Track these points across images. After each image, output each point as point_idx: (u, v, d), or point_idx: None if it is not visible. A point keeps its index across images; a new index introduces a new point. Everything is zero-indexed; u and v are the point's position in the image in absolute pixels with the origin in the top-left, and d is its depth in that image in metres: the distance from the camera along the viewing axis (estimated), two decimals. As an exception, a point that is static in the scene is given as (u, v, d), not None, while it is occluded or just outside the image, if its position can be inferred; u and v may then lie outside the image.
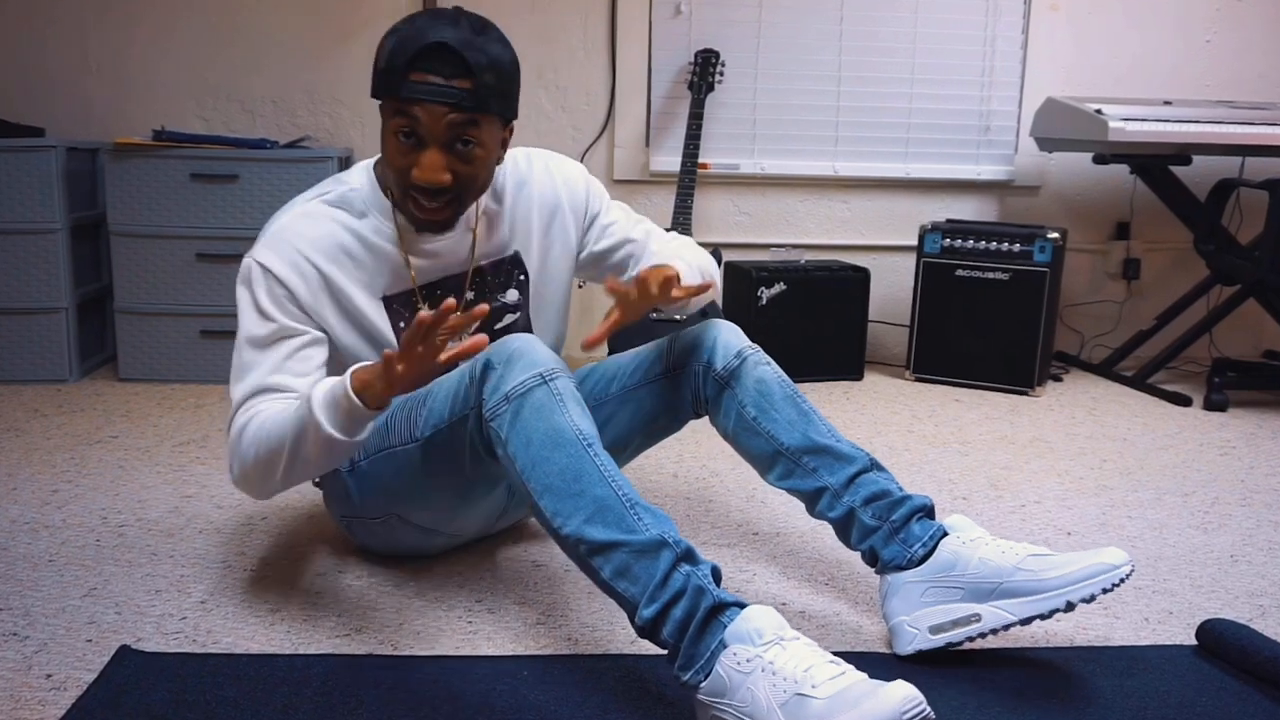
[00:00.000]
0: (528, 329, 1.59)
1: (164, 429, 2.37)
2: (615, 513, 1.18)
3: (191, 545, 1.69)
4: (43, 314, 2.76)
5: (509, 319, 1.56)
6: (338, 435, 1.23)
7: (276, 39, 3.12)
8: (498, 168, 1.48)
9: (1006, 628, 1.27)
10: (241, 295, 1.41)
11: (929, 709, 1.01)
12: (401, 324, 1.47)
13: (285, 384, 1.36)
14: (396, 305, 1.47)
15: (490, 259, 1.54)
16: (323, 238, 1.41)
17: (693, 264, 1.52)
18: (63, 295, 2.76)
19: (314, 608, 1.47)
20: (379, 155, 1.44)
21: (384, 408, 1.24)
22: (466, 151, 1.32)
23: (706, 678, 1.11)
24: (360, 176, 1.46)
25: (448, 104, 1.28)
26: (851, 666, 1.07)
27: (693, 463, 2.21)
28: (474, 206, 1.50)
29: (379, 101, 1.35)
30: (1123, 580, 1.23)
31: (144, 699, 1.20)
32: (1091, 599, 1.24)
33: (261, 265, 1.39)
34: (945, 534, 1.35)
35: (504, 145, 1.42)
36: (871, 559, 1.39)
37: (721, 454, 2.25)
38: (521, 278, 1.57)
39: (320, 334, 1.42)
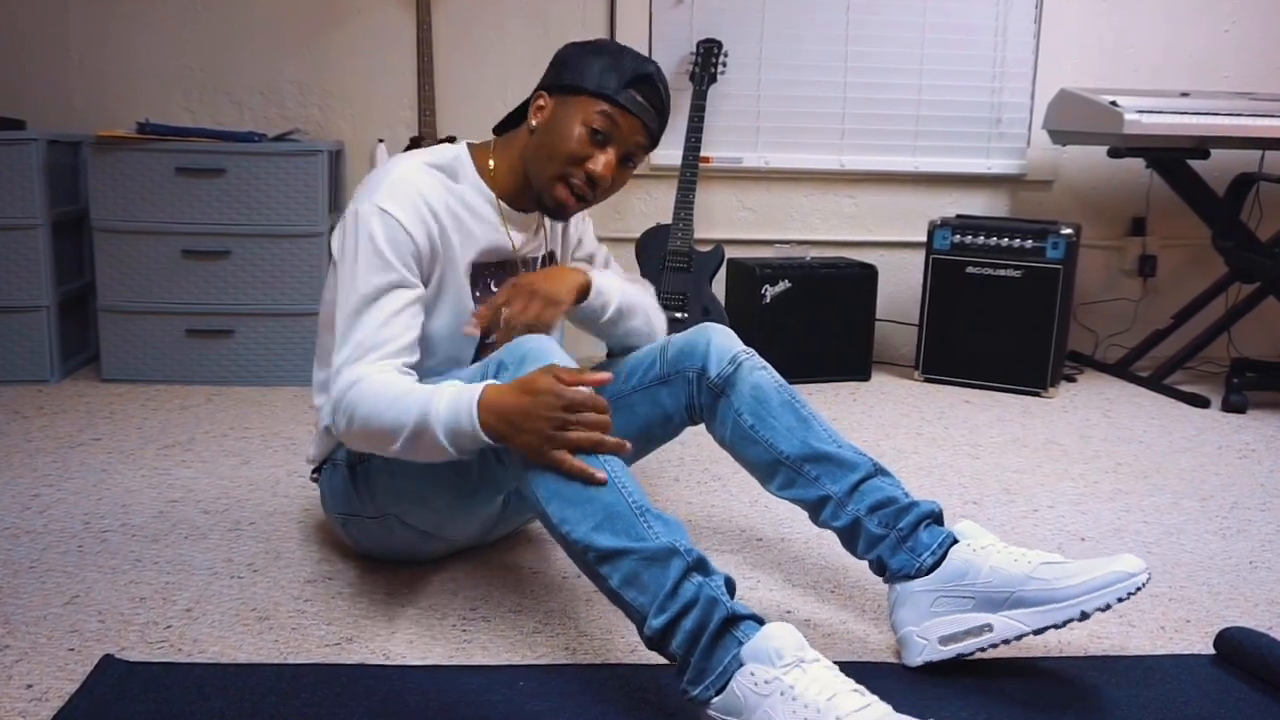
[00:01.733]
0: None
1: (148, 431, 2.37)
2: (624, 520, 1.19)
3: (177, 551, 1.69)
4: (23, 312, 2.76)
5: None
6: (449, 449, 1.28)
7: (265, 28, 3.12)
8: None
9: (1019, 638, 1.27)
10: (360, 239, 1.40)
11: None
12: (478, 293, 1.52)
13: (393, 337, 1.38)
14: (480, 273, 1.53)
15: (535, 254, 1.63)
16: (439, 195, 1.47)
17: (626, 288, 1.60)
18: (44, 293, 2.76)
19: (303, 616, 1.47)
20: (469, 141, 1.56)
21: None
22: (626, 169, 1.50)
23: (719, 694, 1.10)
24: (454, 150, 1.54)
25: (646, 126, 1.47)
26: (876, 698, 1.07)
27: (695, 467, 2.21)
28: None
29: (572, 93, 1.46)
30: (1139, 589, 1.23)
31: (128, 710, 1.19)
32: (1107, 608, 1.23)
33: (386, 211, 1.41)
34: (955, 541, 1.35)
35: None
36: (879, 568, 1.39)
37: (724, 459, 2.24)
38: None
39: (424, 291, 1.46)
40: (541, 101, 1.48)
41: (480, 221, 1.51)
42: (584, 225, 1.74)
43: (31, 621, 1.43)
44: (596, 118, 1.43)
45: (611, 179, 1.47)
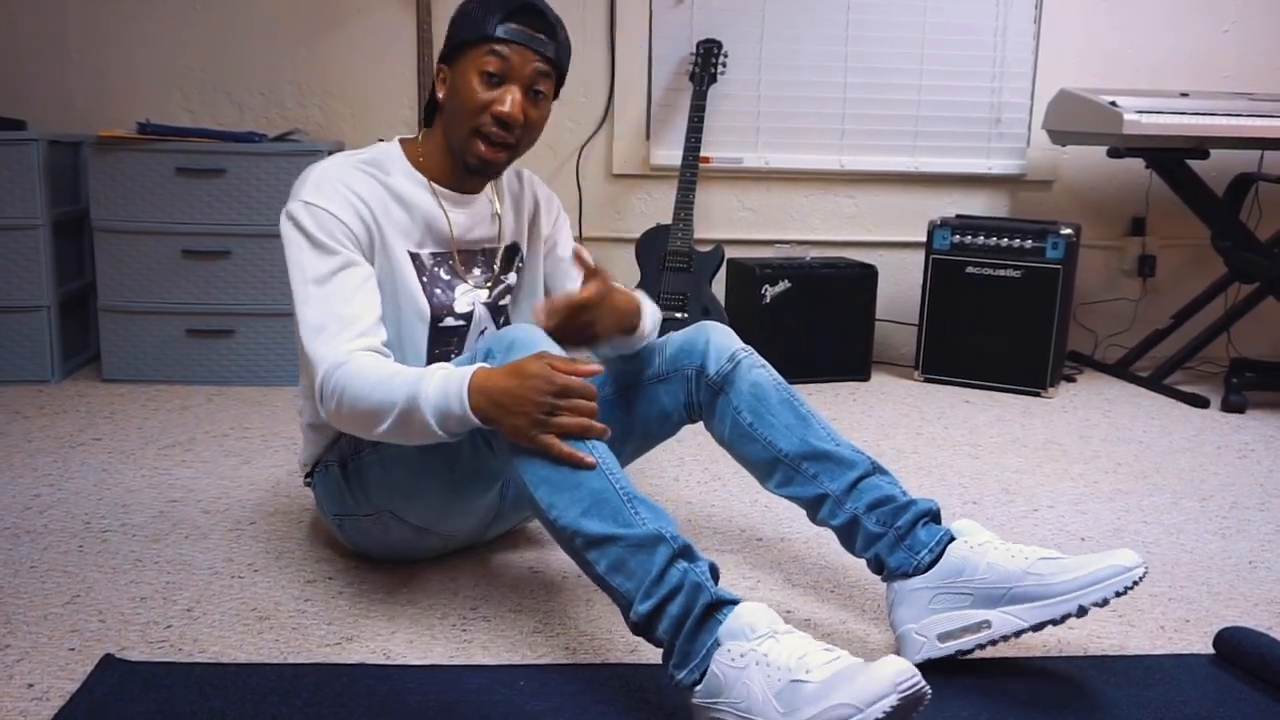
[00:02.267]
0: (513, 312, 1.67)
1: (149, 431, 2.37)
2: (612, 506, 1.19)
3: (177, 551, 1.69)
4: (24, 312, 2.76)
5: (507, 299, 1.65)
6: (438, 430, 1.28)
7: (265, 29, 3.12)
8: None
9: (1018, 634, 1.27)
10: (293, 239, 1.42)
11: (924, 683, 1.01)
12: (425, 278, 1.51)
13: (360, 314, 1.39)
14: (423, 261, 1.52)
15: (500, 244, 1.62)
16: (367, 186, 1.47)
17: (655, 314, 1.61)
18: (44, 293, 2.76)
19: (304, 615, 1.47)
20: (400, 137, 1.56)
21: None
22: (538, 102, 1.47)
23: (702, 676, 1.11)
24: (383, 146, 1.54)
25: (537, 52, 1.43)
26: (846, 652, 1.08)
27: (694, 466, 2.21)
28: (495, 184, 1.62)
29: (459, 51, 1.45)
30: (1136, 583, 1.24)
31: (128, 709, 1.20)
32: (1104, 603, 1.24)
33: (311, 204, 1.42)
34: (952, 539, 1.35)
35: (543, 128, 1.54)
36: (877, 567, 1.39)
37: (724, 458, 2.24)
38: (520, 264, 1.66)
39: (374, 270, 1.45)
40: (441, 74, 1.49)
41: (414, 209, 1.51)
42: (557, 225, 1.71)
43: (32, 621, 1.43)
44: (485, 61, 1.42)
45: (523, 115, 1.45)
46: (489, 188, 1.62)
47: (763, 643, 1.09)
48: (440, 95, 1.49)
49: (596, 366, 1.28)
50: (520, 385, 1.24)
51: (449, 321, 1.54)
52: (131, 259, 2.77)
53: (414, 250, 1.51)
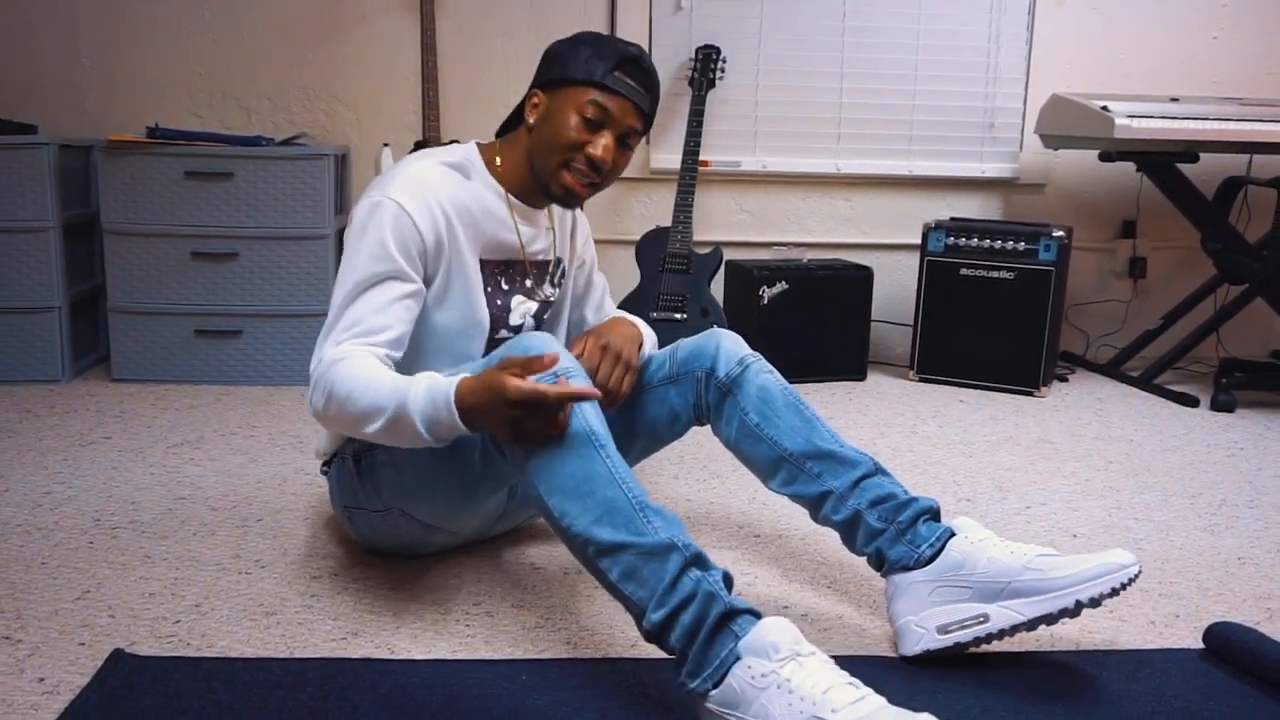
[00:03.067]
0: (548, 326, 1.68)
1: (158, 430, 2.37)
2: (624, 514, 1.19)
3: (186, 547, 1.69)
4: (35, 313, 2.76)
5: (549, 313, 1.67)
6: (426, 437, 1.29)
7: (272, 35, 3.12)
8: None
9: (1014, 628, 1.27)
10: (367, 226, 1.42)
11: None
12: (489, 288, 1.53)
13: (384, 325, 1.39)
14: (490, 270, 1.54)
15: (545, 257, 1.63)
16: (451, 191, 1.49)
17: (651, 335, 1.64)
18: (55, 294, 2.76)
19: (310, 611, 1.47)
20: (477, 141, 1.58)
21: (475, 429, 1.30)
22: (625, 151, 1.50)
23: (716, 686, 1.10)
24: (464, 150, 1.56)
25: (637, 106, 1.47)
26: (871, 691, 1.07)
27: (694, 465, 2.21)
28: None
29: (561, 85, 1.47)
30: (1131, 581, 1.24)
31: (137, 703, 1.20)
32: (1100, 600, 1.24)
33: (399, 204, 1.42)
34: (953, 534, 1.35)
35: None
36: (878, 562, 1.39)
37: (723, 457, 2.25)
38: (561, 279, 1.68)
39: (423, 288, 1.46)
40: (536, 99, 1.50)
41: (491, 217, 1.53)
42: (588, 243, 1.76)
43: (43, 616, 1.43)
44: (589, 106, 1.45)
45: (612, 162, 1.48)
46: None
47: (785, 665, 1.07)
48: (531, 119, 1.50)
49: (554, 355, 1.28)
50: (488, 399, 1.24)
51: (503, 333, 1.56)
52: (141, 261, 2.77)
53: (486, 258, 1.53)
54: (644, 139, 1.53)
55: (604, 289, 1.81)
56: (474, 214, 1.50)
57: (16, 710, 1.19)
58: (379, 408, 1.29)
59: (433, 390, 1.28)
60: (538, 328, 1.63)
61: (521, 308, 1.59)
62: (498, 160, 1.55)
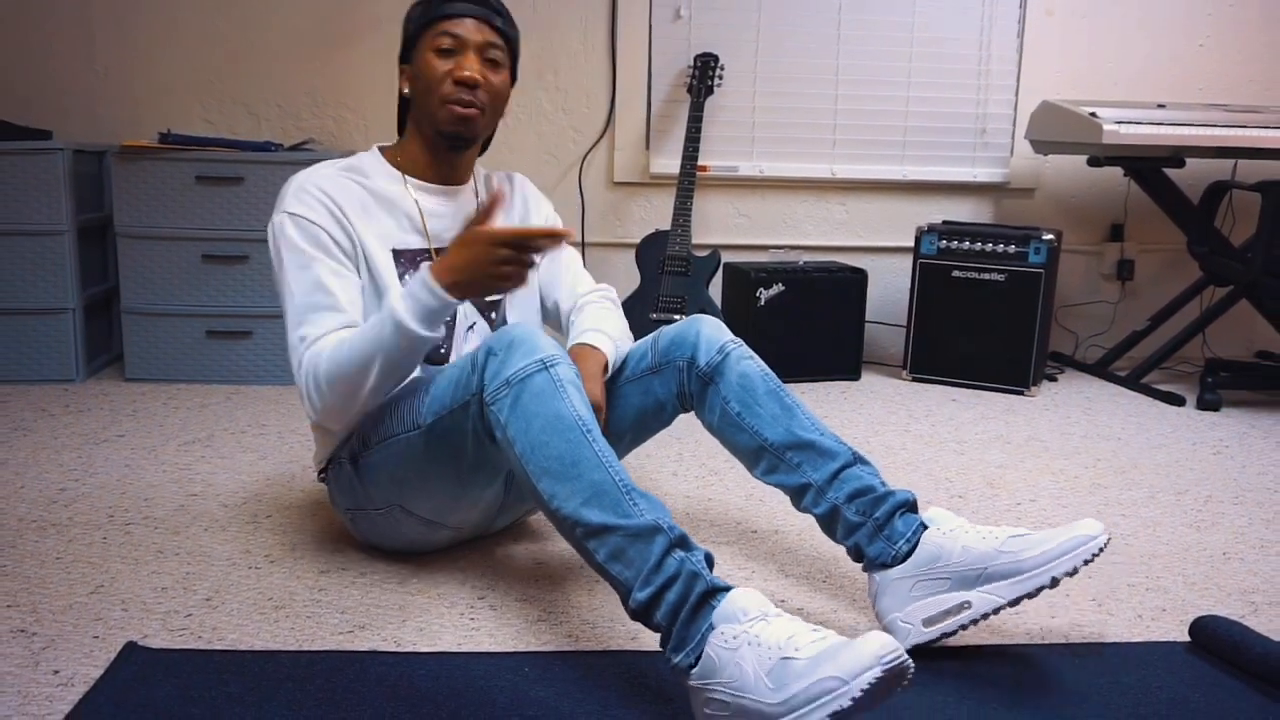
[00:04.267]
0: (509, 308, 1.66)
1: (170, 428, 2.37)
2: (611, 497, 1.19)
3: (197, 543, 1.69)
4: (50, 315, 2.76)
5: (497, 296, 1.64)
6: (425, 332, 1.35)
7: (281, 43, 3.12)
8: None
9: (997, 610, 1.28)
10: (279, 249, 1.47)
11: (907, 656, 1.01)
12: (405, 276, 1.53)
13: (337, 295, 1.44)
14: (404, 260, 1.54)
15: None
16: (343, 189, 1.51)
17: (613, 336, 1.59)
18: (70, 296, 2.76)
19: (318, 605, 1.47)
20: (381, 145, 1.61)
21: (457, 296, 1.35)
22: (496, 69, 1.52)
23: (698, 660, 1.11)
24: (362, 153, 1.59)
25: (485, 21, 1.49)
26: (833, 632, 1.08)
27: (692, 461, 2.21)
28: (475, 176, 1.65)
29: (414, 42, 1.51)
30: (1100, 550, 1.25)
31: (150, 695, 1.20)
32: (1074, 572, 1.25)
33: (290, 214, 1.47)
34: (926, 528, 1.35)
35: (507, 103, 1.58)
36: (857, 555, 1.40)
37: (720, 453, 2.25)
38: None
39: (355, 276, 1.49)
40: (404, 74, 1.54)
41: (395, 206, 1.55)
42: (549, 224, 1.71)
43: (58, 610, 1.43)
44: (439, 40, 1.48)
45: (483, 77, 1.49)
46: (475, 184, 1.64)
47: (754, 624, 1.09)
48: (406, 91, 1.54)
49: (502, 189, 1.37)
50: (470, 254, 1.31)
51: None
52: (153, 263, 2.77)
53: (398, 247, 1.54)
54: (515, 73, 1.57)
55: (570, 267, 1.73)
56: (373, 208, 1.53)
57: (33, 701, 1.19)
58: (369, 348, 1.36)
59: (408, 290, 1.35)
60: (486, 310, 1.62)
61: None
62: (398, 156, 1.58)
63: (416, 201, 1.56)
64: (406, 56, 1.54)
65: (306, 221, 1.46)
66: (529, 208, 1.70)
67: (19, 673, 1.25)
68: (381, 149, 1.60)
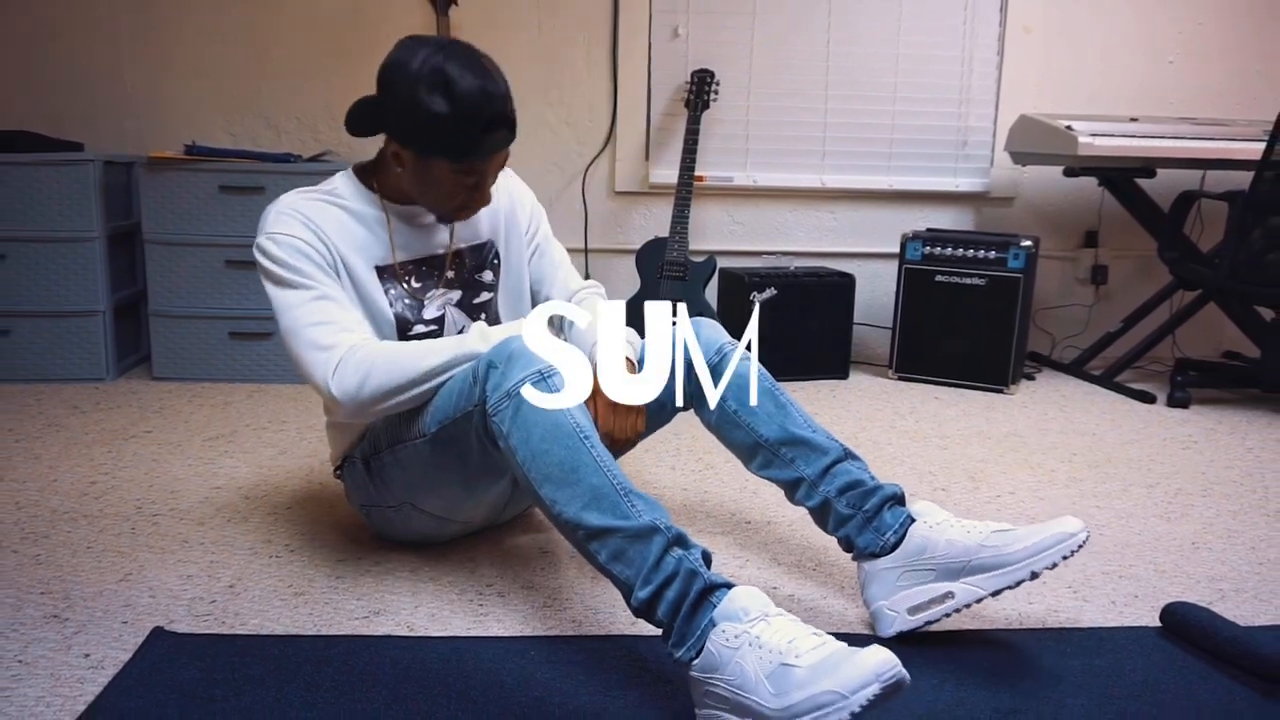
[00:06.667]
0: (501, 308, 1.63)
1: (195, 425, 2.37)
2: (610, 500, 1.19)
3: (221, 533, 1.69)
4: (82, 317, 2.76)
5: (485, 295, 1.60)
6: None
7: (299, 59, 3.12)
8: None
9: (979, 601, 1.27)
10: (271, 273, 1.40)
11: (904, 672, 1.00)
12: (392, 291, 1.49)
13: (340, 301, 1.41)
14: (387, 275, 1.50)
15: (469, 243, 1.58)
16: (320, 211, 1.45)
17: (633, 344, 1.54)
18: (100, 299, 2.76)
19: (335, 592, 1.47)
20: (355, 164, 1.53)
21: None
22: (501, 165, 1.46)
23: (699, 654, 1.11)
24: (335, 177, 1.51)
25: (507, 151, 1.42)
26: (832, 637, 1.07)
27: (689, 457, 2.21)
28: None
29: (423, 152, 1.37)
30: (1080, 546, 1.25)
31: (176, 677, 1.20)
32: (1054, 567, 1.25)
33: (272, 235, 1.40)
34: (913, 520, 1.35)
35: None
36: (847, 545, 1.39)
37: (716, 448, 2.25)
38: (495, 261, 1.62)
39: (342, 291, 1.43)
40: (397, 152, 1.40)
41: (370, 225, 1.47)
42: (534, 218, 1.67)
43: (89, 597, 1.43)
44: (465, 176, 1.39)
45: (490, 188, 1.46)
46: None
47: (755, 625, 1.08)
48: (397, 168, 1.42)
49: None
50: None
51: (419, 329, 1.51)
52: (179, 268, 2.77)
53: (381, 264, 1.48)
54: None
55: (562, 265, 1.70)
56: (351, 226, 1.46)
57: (64, 683, 1.19)
58: (440, 355, 1.36)
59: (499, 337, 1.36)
60: (474, 315, 1.58)
61: (438, 300, 1.53)
62: (375, 184, 1.49)
63: (393, 225, 1.50)
64: (410, 143, 1.37)
65: (290, 237, 1.39)
66: (514, 201, 1.64)
67: (52, 655, 1.25)
68: (357, 172, 1.50)
